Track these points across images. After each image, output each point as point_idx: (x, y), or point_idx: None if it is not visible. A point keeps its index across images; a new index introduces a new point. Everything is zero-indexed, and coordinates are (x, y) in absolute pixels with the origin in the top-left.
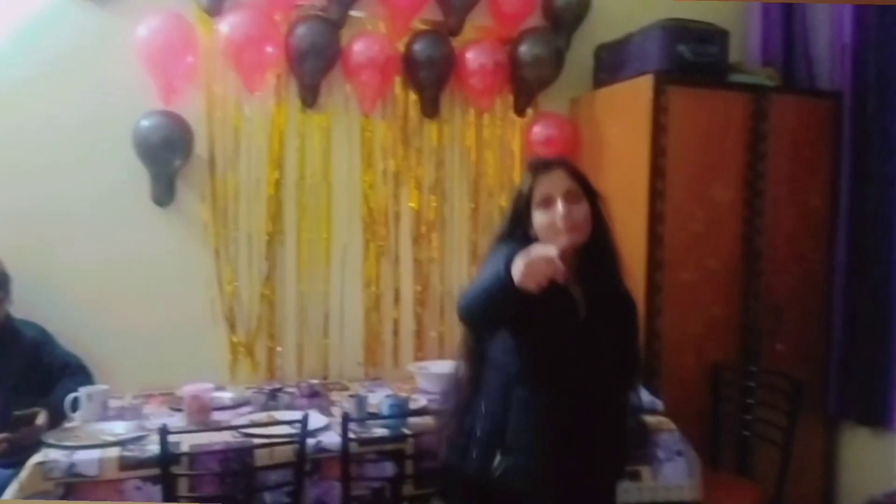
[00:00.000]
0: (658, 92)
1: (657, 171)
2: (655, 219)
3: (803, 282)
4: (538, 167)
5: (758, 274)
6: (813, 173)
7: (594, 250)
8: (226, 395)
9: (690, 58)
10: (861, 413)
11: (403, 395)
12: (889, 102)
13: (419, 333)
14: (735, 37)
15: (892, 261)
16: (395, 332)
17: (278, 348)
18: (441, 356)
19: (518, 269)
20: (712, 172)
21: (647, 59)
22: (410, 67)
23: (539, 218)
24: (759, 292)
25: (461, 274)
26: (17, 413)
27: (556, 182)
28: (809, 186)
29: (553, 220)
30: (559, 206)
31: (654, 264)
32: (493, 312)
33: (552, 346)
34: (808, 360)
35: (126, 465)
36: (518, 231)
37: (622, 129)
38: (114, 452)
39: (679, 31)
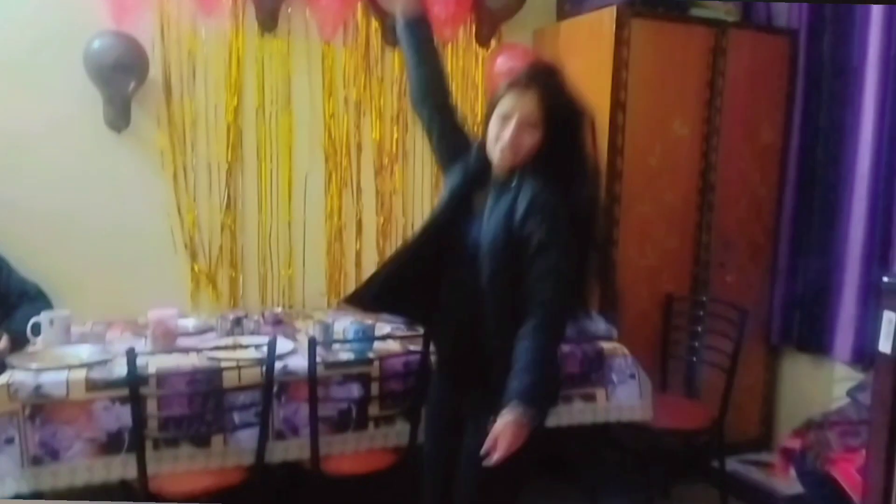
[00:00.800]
0: (621, 24)
1: (618, 105)
2: (615, 153)
3: (752, 216)
4: (514, 83)
5: (710, 208)
6: (766, 110)
7: (534, 173)
8: (189, 322)
9: None
10: (802, 341)
11: (368, 321)
12: (844, 41)
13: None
14: None
15: (837, 198)
16: (358, 264)
17: (241, 277)
18: None
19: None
20: (672, 107)
21: None
22: None
23: (492, 128)
24: (711, 226)
25: (423, 206)
26: None
27: (520, 102)
28: (763, 123)
29: (500, 134)
30: (510, 127)
31: (612, 197)
32: (417, 76)
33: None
34: (754, 291)
35: (93, 386)
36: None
37: (585, 61)
38: (80, 374)
39: None
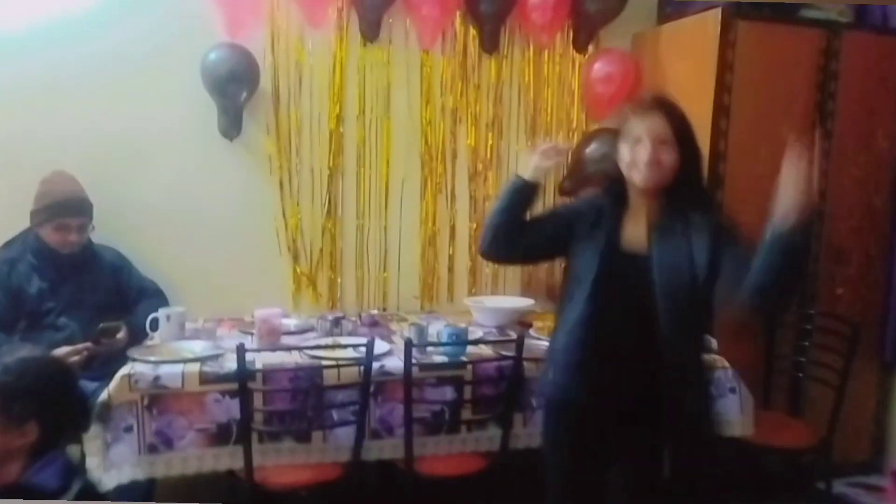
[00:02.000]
0: (726, 27)
1: (721, 110)
2: (717, 158)
3: (866, 226)
4: (638, 106)
5: (821, 217)
6: (881, 115)
7: (680, 195)
8: (291, 322)
9: None
10: None
11: (462, 325)
12: None
13: (473, 270)
14: None
15: None
16: (451, 268)
17: (339, 280)
18: (494, 292)
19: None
20: (779, 111)
21: None
22: (471, 1)
23: (625, 153)
24: (822, 235)
25: None
26: (102, 325)
27: (649, 125)
28: (878, 128)
29: (636, 156)
30: (646, 145)
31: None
32: (507, 225)
33: (588, 272)
34: (866, 305)
35: (206, 379)
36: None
37: (687, 66)
38: (194, 367)
39: None
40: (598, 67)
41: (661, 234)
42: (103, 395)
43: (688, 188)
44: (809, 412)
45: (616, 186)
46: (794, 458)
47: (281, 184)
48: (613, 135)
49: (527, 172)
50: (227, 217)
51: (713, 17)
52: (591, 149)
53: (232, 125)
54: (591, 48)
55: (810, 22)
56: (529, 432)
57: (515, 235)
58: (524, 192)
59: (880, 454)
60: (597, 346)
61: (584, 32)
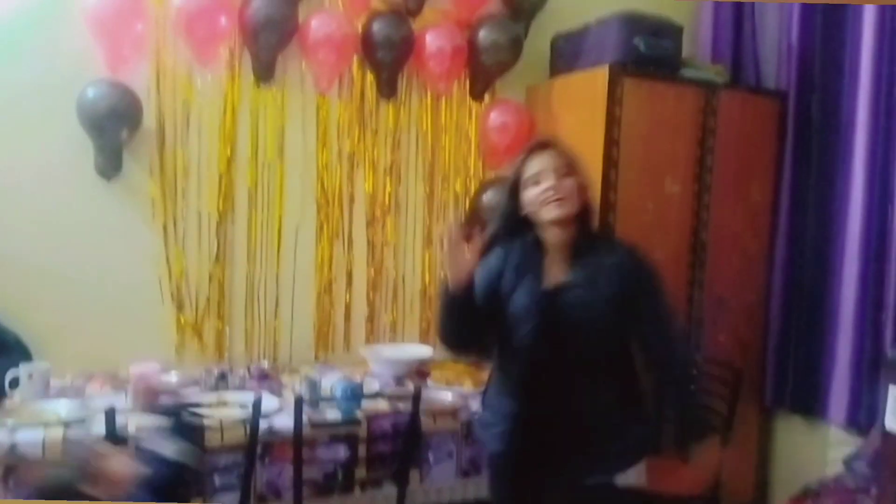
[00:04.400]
0: (613, 83)
1: (610, 162)
2: (608, 208)
3: (744, 275)
4: (529, 149)
5: (702, 266)
6: (757, 169)
7: (586, 223)
8: (172, 377)
9: (645, 51)
10: (796, 402)
11: (357, 378)
12: (832, 103)
13: (371, 318)
14: (687, 33)
15: (829, 257)
16: (347, 316)
17: (227, 329)
18: (393, 340)
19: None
20: (663, 165)
21: (604, 50)
22: (368, 47)
23: (529, 194)
24: (704, 284)
25: (415, 258)
26: None
27: (545, 160)
28: (753, 182)
29: (541, 192)
30: (548, 177)
31: None
32: (459, 327)
33: (517, 314)
34: (747, 351)
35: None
36: (510, 222)
37: (577, 118)
38: (58, 433)
39: (635, 23)
40: (494, 116)
41: (577, 265)
42: None
43: (592, 217)
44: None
45: (529, 234)
46: (684, 503)
47: (165, 227)
48: (511, 183)
49: (450, 281)
50: (103, 263)
51: (601, 74)
52: (488, 196)
53: (110, 164)
54: (487, 98)
55: (690, 81)
56: (426, 489)
57: (466, 333)
58: (456, 302)
59: (763, 497)
60: (525, 391)
61: (480, 82)
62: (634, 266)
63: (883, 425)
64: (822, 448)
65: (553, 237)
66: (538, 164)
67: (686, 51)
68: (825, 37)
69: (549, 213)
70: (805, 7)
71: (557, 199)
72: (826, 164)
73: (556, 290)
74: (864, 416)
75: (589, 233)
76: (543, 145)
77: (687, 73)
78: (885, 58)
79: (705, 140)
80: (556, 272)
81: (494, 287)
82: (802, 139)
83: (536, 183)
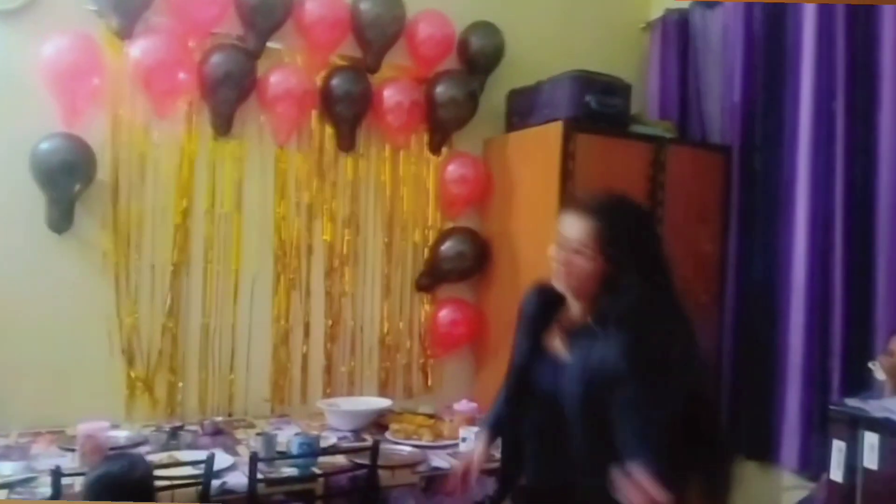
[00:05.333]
0: (567, 138)
1: None
2: None
3: (697, 324)
4: (569, 207)
5: None
6: (705, 221)
7: (604, 303)
8: (122, 434)
9: (596, 107)
10: (749, 448)
11: (313, 433)
12: (774, 158)
13: (329, 369)
14: (636, 90)
15: (776, 307)
16: (304, 368)
17: (180, 384)
18: (351, 392)
19: None
20: None
21: (557, 106)
22: (327, 101)
23: (551, 251)
24: None
25: (373, 308)
26: None
27: (568, 226)
28: (702, 234)
29: (553, 259)
30: (561, 250)
31: None
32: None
33: (515, 371)
34: None
35: None
36: None
37: (532, 171)
38: (1, 495)
39: (586, 82)
40: (452, 169)
41: (575, 341)
42: None
43: (610, 302)
44: None
45: (550, 288)
46: None
47: (117, 280)
48: (467, 234)
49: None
50: (52, 316)
51: (555, 129)
52: (446, 246)
53: (63, 218)
54: (444, 150)
55: (639, 136)
56: None
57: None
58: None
59: None
60: (516, 445)
61: (438, 136)
62: (621, 355)
63: (828, 477)
64: (777, 492)
65: (569, 305)
66: (562, 225)
67: (635, 107)
68: (766, 95)
69: (554, 281)
70: (747, 64)
71: (562, 274)
72: (770, 214)
73: (549, 358)
74: (816, 460)
75: (599, 313)
76: (576, 208)
77: (636, 128)
78: (823, 112)
79: (655, 193)
80: (557, 340)
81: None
82: (747, 191)
83: (557, 244)
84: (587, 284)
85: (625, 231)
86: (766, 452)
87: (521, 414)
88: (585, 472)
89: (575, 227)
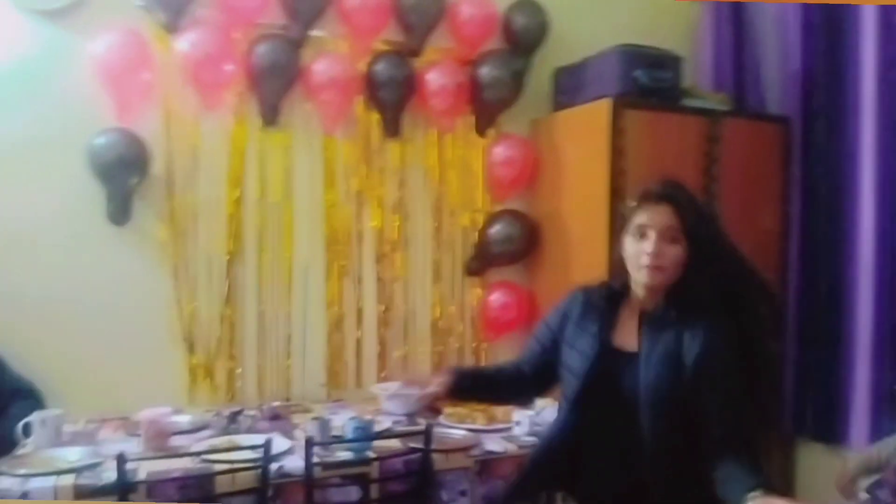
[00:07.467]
0: (615, 115)
1: (616, 193)
2: (615, 240)
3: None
4: (645, 196)
5: None
6: (764, 196)
7: (685, 293)
8: (184, 419)
9: (646, 82)
10: (816, 430)
11: (367, 417)
12: (836, 127)
13: (382, 354)
14: (688, 62)
15: (842, 280)
16: (358, 353)
17: (238, 370)
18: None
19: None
20: None
21: (605, 83)
22: (372, 87)
23: (629, 246)
24: None
25: (425, 293)
26: None
27: (656, 216)
28: (761, 208)
29: (640, 252)
30: (651, 240)
31: None
32: (497, 399)
33: (578, 368)
34: None
35: (81, 493)
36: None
37: (581, 151)
38: (68, 480)
39: (635, 56)
40: (499, 151)
41: (652, 332)
42: None
43: (696, 286)
44: None
45: (617, 281)
46: None
47: (175, 270)
48: (516, 216)
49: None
50: (115, 307)
51: (604, 106)
52: (495, 230)
53: (121, 211)
54: (491, 132)
55: (692, 110)
56: None
57: (510, 397)
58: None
59: None
60: (582, 445)
61: (484, 118)
62: (706, 346)
63: None
64: None
65: (638, 296)
66: (648, 217)
67: (688, 80)
68: (828, 61)
69: (642, 277)
70: (806, 30)
71: (654, 267)
72: (834, 188)
73: (618, 354)
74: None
75: (680, 302)
76: (660, 197)
77: (689, 102)
78: (888, 77)
79: (710, 168)
80: (626, 334)
81: (556, 336)
82: (808, 164)
83: (641, 236)
84: (676, 272)
85: (703, 213)
86: (834, 434)
87: (582, 420)
88: (657, 470)
89: (662, 215)
